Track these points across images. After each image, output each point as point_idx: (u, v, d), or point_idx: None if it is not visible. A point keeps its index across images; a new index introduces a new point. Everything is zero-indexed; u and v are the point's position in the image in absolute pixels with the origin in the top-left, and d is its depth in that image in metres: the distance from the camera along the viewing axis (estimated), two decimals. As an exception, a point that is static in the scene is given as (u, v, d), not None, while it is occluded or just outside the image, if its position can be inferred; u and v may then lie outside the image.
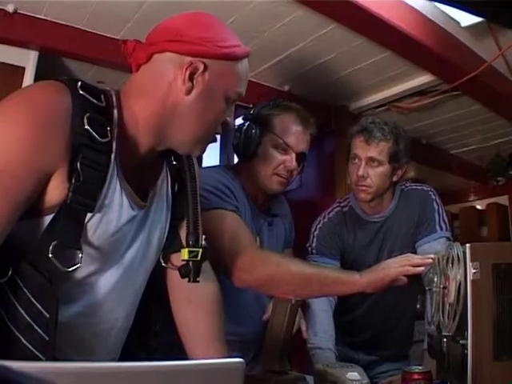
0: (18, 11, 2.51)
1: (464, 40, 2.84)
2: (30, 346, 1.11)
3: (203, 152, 1.44)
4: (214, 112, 1.35)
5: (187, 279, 1.43)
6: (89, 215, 1.19)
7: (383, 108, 3.65)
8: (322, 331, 2.21)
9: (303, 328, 2.11)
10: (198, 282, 1.43)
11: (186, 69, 1.27)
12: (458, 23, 2.75)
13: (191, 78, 1.28)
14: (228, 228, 1.87)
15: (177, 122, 1.32)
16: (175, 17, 1.34)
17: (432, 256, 1.67)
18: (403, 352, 2.55)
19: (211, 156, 4.21)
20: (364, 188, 2.30)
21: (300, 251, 2.46)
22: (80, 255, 1.17)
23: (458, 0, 1.47)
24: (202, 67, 1.27)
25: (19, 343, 1.11)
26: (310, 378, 1.61)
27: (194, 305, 1.56)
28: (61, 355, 1.19)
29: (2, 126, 1.10)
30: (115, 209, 1.25)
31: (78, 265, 1.17)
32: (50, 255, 1.12)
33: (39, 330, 1.12)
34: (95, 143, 1.18)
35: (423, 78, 3.23)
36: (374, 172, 2.28)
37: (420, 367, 1.49)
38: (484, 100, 3.47)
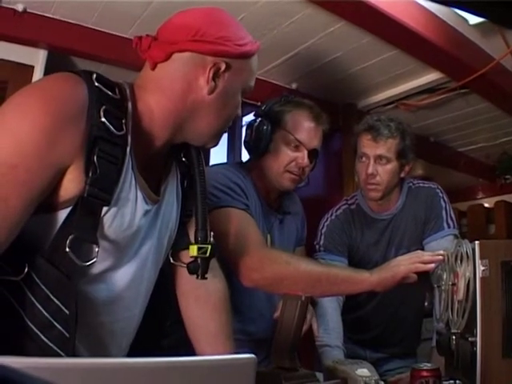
0: (28, 10, 2.51)
1: (472, 38, 2.83)
2: (50, 343, 1.10)
3: (217, 144, 1.46)
4: (232, 107, 1.39)
5: (195, 276, 1.43)
6: (105, 209, 1.18)
7: (391, 106, 3.64)
8: (330, 329, 2.21)
9: (314, 327, 2.11)
10: (206, 278, 1.44)
11: (210, 69, 1.29)
12: (466, 21, 2.75)
13: (214, 77, 1.30)
14: (237, 226, 1.86)
15: (196, 118, 1.33)
16: (191, 13, 1.34)
17: (442, 252, 1.67)
18: (411, 349, 2.55)
19: (218, 153, 4.22)
20: (374, 187, 2.30)
21: (308, 249, 2.47)
22: (96, 249, 1.16)
23: (462, 2, 1.46)
24: (223, 67, 1.30)
25: (39, 341, 1.10)
26: (319, 375, 1.61)
27: (202, 302, 1.57)
28: (77, 356, 1.19)
29: (16, 117, 1.08)
30: (130, 203, 1.25)
31: (95, 259, 1.16)
32: (67, 249, 1.11)
33: (59, 327, 1.11)
34: (111, 136, 1.17)
35: (431, 76, 3.23)
36: (383, 169, 2.28)
37: (429, 364, 1.49)
38: (492, 98, 3.46)
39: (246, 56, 1.36)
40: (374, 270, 1.79)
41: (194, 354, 1.53)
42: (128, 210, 1.25)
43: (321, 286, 1.77)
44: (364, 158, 2.31)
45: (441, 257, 1.68)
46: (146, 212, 1.31)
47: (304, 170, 2.10)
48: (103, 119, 1.15)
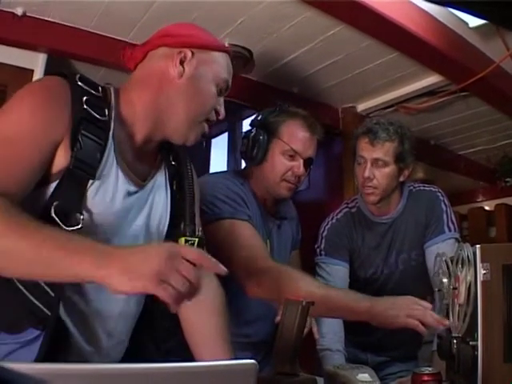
0: (27, 14, 2.52)
1: (472, 40, 2.83)
2: (36, 302, 1.21)
3: (196, 141, 1.53)
4: (205, 95, 1.50)
5: None
6: (90, 182, 1.29)
7: (391, 109, 3.64)
8: (331, 332, 2.22)
9: (314, 329, 2.10)
10: None
11: (177, 55, 1.45)
12: (465, 24, 2.74)
13: (182, 64, 1.44)
14: (241, 239, 1.89)
15: (172, 107, 1.46)
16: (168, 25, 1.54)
17: (446, 323, 1.61)
18: (412, 353, 2.54)
19: (219, 161, 4.25)
20: (371, 190, 2.30)
21: (308, 252, 2.46)
22: (81, 217, 1.26)
23: (462, 2, 1.47)
24: (190, 54, 1.46)
25: (26, 299, 1.21)
26: (319, 380, 1.60)
27: (199, 306, 1.57)
28: (65, 332, 1.30)
29: (17, 107, 1.27)
30: (112, 180, 1.36)
31: (80, 226, 1.25)
32: (53, 214, 1.21)
33: (45, 286, 1.21)
34: (94, 120, 1.32)
35: (431, 79, 3.23)
36: (380, 173, 2.27)
37: (430, 368, 1.48)
38: (492, 101, 3.46)
39: (211, 47, 1.52)
40: (378, 303, 1.73)
41: (191, 357, 1.54)
42: (110, 186, 1.35)
43: (319, 309, 1.75)
44: (362, 161, 2.31)
45: (442, 326, 1.63)
46: (131, 193, 1.41)
47: (300, 179, 2.14)
48: (85, 106, 1.32)
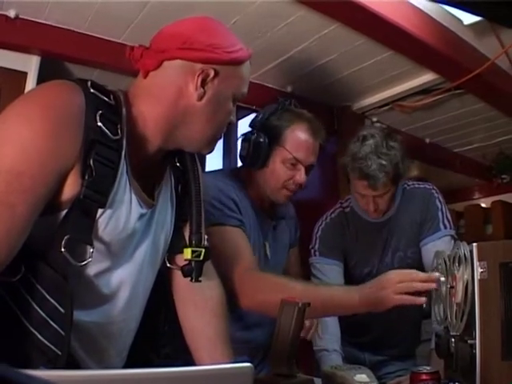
0: (20, 16, 2.51)
1: (467, 38, 2.83)
2: (46, 342, 1.13)
3: (212, 151, 1.47)
4: (223, 114, 1.39)
5: (190, 279, 1.44)
6: (100, 211, 1.20)
7: (386, 107, 3.64)
8: (328, 333, 2.21)
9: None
10: (200, 281, 1.45)
11: (198, 76, 1.30)
12: (460, 21, 2.74)
13: (203, 84, 1.31)
14: (230, 247, 1.85)
15: (187, 125, 1.34)
16: (182, 22, 1.37)
17: (437, 275, 1.60)
18: (410, 352, 2.54)
19: (214, 158, 4.22)
20: (375, 214, 2.30)
21: (303, 253, 2.45)
22: (91, 250, 1.19)
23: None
24: (212, 73, 1.31)
25: (35, 340, 1.13)
26: (317, 381, 1.60)
27: (200, 308, 1.57)
28: (74, 356, 1.23)
29: (18, 126, 1.11)
30: (125, 206, 1.27)
31: (89, 259, 1.19)
32: (63, 249, 1.13)
33: (55, 326, 1.14)
34: (107, 140, 1.20)
35: (426, 77, 3.23)
36: (383, 200, 2.25)
37: (428, 367, 1.48)
38: (487, 98, 3.46)
39: (236, 62, 1.37)
40: (364, 291, 1.69)
41: (191, 361, 1.53)
42: (123, 213, 1.27)
43: (314, 311, 1.72)
44: (363, 196, 2.28)
45: (434, 285, 1.58)
46: (141, 216, 1.33)
47: (300, 186, 2.07)
48: (99, 123, 1.18)
